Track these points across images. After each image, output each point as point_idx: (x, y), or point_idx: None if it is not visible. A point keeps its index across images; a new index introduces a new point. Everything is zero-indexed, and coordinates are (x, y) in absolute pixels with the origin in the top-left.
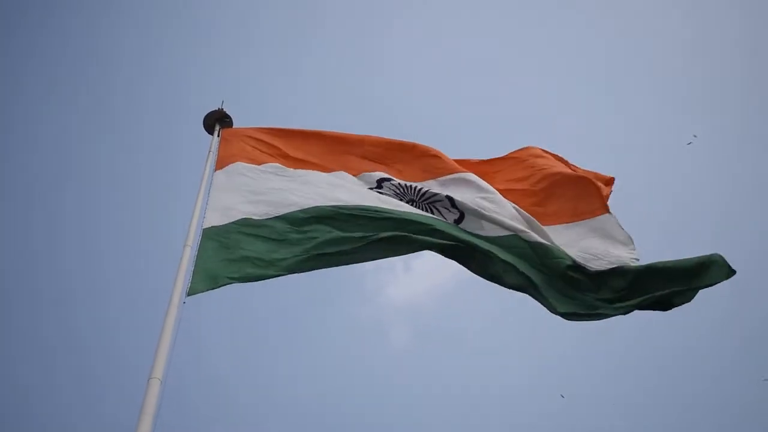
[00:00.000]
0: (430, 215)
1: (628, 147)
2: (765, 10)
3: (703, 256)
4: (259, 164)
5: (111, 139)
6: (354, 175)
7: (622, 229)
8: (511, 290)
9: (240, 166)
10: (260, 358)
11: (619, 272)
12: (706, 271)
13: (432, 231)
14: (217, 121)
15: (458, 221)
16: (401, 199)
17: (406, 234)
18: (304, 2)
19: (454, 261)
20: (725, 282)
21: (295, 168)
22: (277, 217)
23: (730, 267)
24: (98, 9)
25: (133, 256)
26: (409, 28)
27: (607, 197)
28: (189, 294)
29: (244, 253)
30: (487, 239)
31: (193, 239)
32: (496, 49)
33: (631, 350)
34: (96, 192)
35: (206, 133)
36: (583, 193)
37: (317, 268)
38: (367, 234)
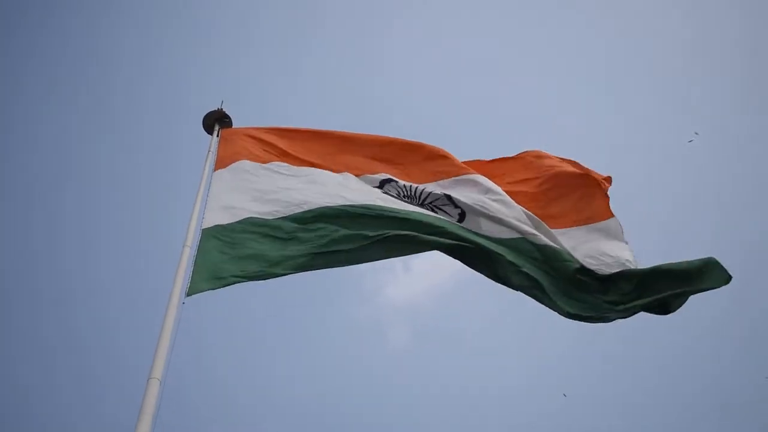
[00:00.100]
0: (437, 216)
1: (628, 147)
2: (765, 10)
3: (702, 260)
4: (265, 162)
5: (111, 139)
6: (356, 176)
7: (623, 233)
8: (512, 291)
9: (245, 164)
10: (259, 358)
11: (626, 275)
12: (707, 275)
13: (441, 231)
14: (216, 121)
15: (460, 220)
16: (405, 200)
17: (416, 234)
18: (304, 2)
19: (458, 261)
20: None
21: (299, 166)
22: (283, 216)
23: (728, 273)
24: (98, 9)
25: (133, 256)
26: (409, 28)
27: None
28: (192, 293)
29: (250, 252)
30: (495, 241)
31: (193, 239)
32: (496, 49)
33: (629, 350)
34: (96, 192)
35: (206, 133)
36: (589, 197)
37: (324, 267)
38: (376, 233)
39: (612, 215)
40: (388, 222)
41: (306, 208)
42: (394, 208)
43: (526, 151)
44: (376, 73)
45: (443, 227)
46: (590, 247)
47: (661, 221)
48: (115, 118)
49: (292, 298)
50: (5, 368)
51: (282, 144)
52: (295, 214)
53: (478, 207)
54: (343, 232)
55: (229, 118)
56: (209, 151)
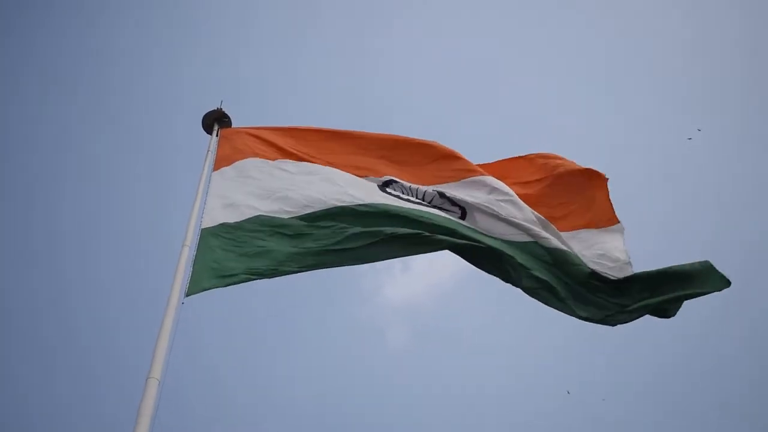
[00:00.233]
0: (447, 216)
1: (628, 147)
2: (765, 10)
3: (701, 264)
4: (273, 160)
5: (110, 138)
6: (363, 176)
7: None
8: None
9: (252, 161)
10: (259, 358)
11: (636, 279)
12: (708, 279)
13: (452, 232)
14: (215, 120)
15: (461, 218)
16: (411, 201)
17: (428, 234)
18: (304, 2)
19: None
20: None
21: (308, 164)
22: (293, 214)
23: (727, 279)
24: (97, 8)
25: (132, 256)
26: (409, 28)
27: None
28: (192, 293)
29: (258, 250)
30: (507, 243)
31: (192, 239)
32: (496, 49)
33: (628, 349)
34: (95, 192)
35: (205, 132)
36: (594, 199)
37: (334, 266)
38: (386, 231)
39: (618, 221)
40: (398, 220)
41: (316, 206)
42: (404, 207)
43: (536, 153)
44: (376, 73)
45: (455, 228)
46: (596, 251)
47: (660, 221)
48: (114, 117)
49: (292, 298)
50: (5, 368)
51: (288, 142)
52: (304, 212)
53: (488, 208)
54: (354, 229)
55: (229, 117)
56: (208, 150)
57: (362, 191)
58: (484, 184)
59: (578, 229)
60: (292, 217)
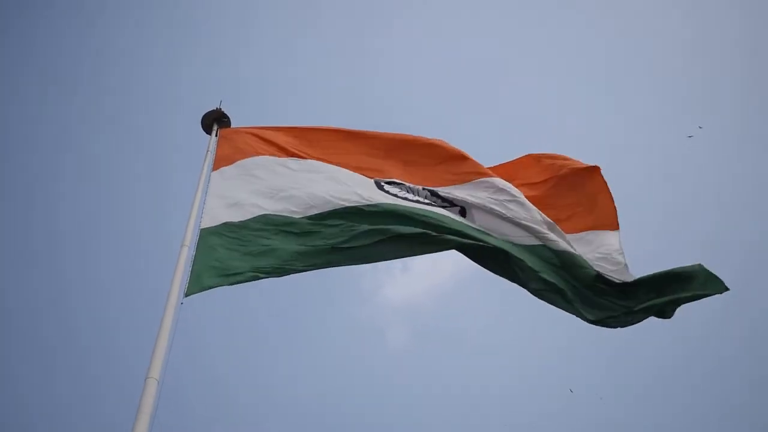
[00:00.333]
0: (453, 217)
1: (628, 147)
2: (765, 10)
3: (698, 266)
4: (280, 157)
5: (109, 138)
6: (369, 176)
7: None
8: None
9: (253, 161)
10: (259, 358)
11: (641, 282)
12: (706, 282)
13: (458, 231)
14: (215, 120)
15: (462, 217)
16: (416, 201)
17: (435, 234)
18: (304, 2)
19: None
20: (725, 281)
21: (313, 162)
22: (298, 213)
23: (724, 284)
24: (96, 8)
25: (132, 256)
26: (409, 28)
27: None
28: (193, 292)
29: (264, 249)
30: (517, 246)
31: (191, 239)
32: (496, 49)
33: (630, 349)
34: (95, 192)
35: (204, 133)
36: (597, 202)
37: (341, 264)
38: (393, 229)
39: (618, 226)
40: (405, 220)
41: (322, 205)
42: (408, 207)
43: (543, 153)
44: (375, 73)
45: (461, 229)
46: (598, 254)
47: (660, 221)
48: (114, 117)
49: (293, 298)
50: (5, 368)
51: (291, 141)
52: (311, 211)
53: (496, 210)
54: (361, 228)
55: (228, 117)
56: (208, 150)
57: (369, 191)
58: (492, 186)
59: (583, 231)
60: (298, 216)
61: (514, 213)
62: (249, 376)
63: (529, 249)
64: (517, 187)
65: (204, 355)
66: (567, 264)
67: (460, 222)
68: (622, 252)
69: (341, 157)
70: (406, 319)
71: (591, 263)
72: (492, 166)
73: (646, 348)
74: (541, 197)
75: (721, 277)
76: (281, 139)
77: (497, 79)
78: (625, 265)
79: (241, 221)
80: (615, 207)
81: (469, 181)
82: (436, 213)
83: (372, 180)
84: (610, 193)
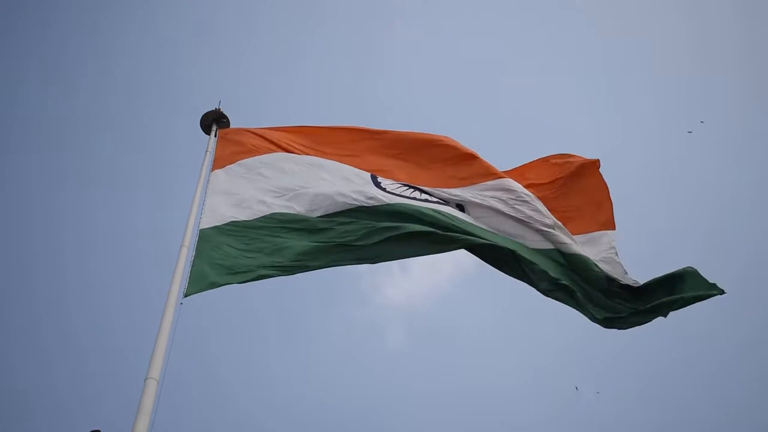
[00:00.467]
0: (463, 218)
1: (628, 147)
2: (765, 10)
3: (692, 270)
4: (286, 155)
5: (109, 138)
6: (378, 175)
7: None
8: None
9: (259, 160)
10: (259, 358)
11: (649, 284)
12: (703, 285)
13: (467, 231)
14: (214, 121)
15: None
16: (426, 201)
17: (445, 233)
18: (303, 2)
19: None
20: (726, 283)
21: (322, 159)
22: (307, 211)
23: (713, 285)
24: (97, 9)
25: (132, 256)
26: (409, 28)
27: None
28: (200, 290)
29: (274, 248)
30: (529, 249)
31: (190, 239)
32: (496, 49)
33: (629, 350)
34: (95, 192)
35: (204, 133)
36: (601, 204)
37: (347, 264)
38: (403, 226)
39: (615, 227)
40: (414, 218)
41: (334, 205)
42: (416, 206)
43: (551, 155)
44: (375, 73)
45: (470, 229)
46: (602, 255)
47: (660, 221)
48: (114, 117)
49: (293, 298)
50: (3, 368)
51: (298, 139)
52: (319, 210)
53: (505, 210)
54: (372, 226)
55: (227, 118)
56: (207, 151)
57: (375, 190)
58: (501, 187)
59: (590, 231)
60: (308, 215)
61: (524, 214)
62: (248, 376)
63: (542, 252)
64: (526, 187)
65: (203, 356)
66: (579, 267)
67: (466, 221)
68: (617, 252)
69: (349, 156)
70: (405, 320)
71: (599, 265)
72: (505, 170)
73: (647, 349)
74: (549, 198)
75: (723, 277)
76: (287, 137)
77: (497, 79)
78: (622, 265)
79: (248, 219)
80: (612, 207)
81: (478, 182)
82: (444, 212)
83: (380, 179)
84: (609, 192)
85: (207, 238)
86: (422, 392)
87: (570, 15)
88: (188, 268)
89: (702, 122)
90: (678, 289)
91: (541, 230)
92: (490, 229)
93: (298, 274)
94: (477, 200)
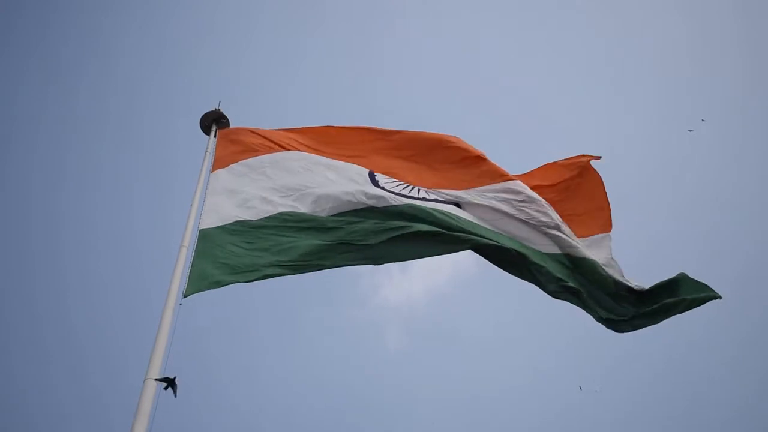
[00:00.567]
0: (470, 220)
1: (628, 147)
2: (765, 10)
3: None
4: (290, 153)
5: (109, 139)
6: (386, 174)
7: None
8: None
9: (265, 159)
10: (258, 359)
11: (656, 288)
12: (701, 289)
13: (473, 231)
14: (213, 121)
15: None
16: (433, 201)
17: (453, 233)
18: (303, 2)
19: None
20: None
21: (329, 159)
22: (312, 211)
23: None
24: (97, 9)
25: (132, 256)
26: (409, 28)
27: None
28: (202, 289)
29: (280, 248)
30: (538, 253)
31: (190, 240)
32: (496, 49)
33: (629, 352)
34: (94, 192)
35: (204, 133)
36: (603, 207)
37: (356, 264)
38: (410, 225)
39: (611, 229)
40: (421, 219)
41: (341, 205)
42: (424, 207)
43: (559, 160)
44: (375, 73)
45: (478, 232)
46: (606, 257)
47: (661, 221)
48: (115, 117)
49: (292, 299)
50: (3, 368)
51: (303, 139)
52: (325, 209)
53: (511, 212)
54: (379, 225)
55: (227, 118)
56: (207, 151)
57: (374, 189)
58: (509, 189)
59: (595, 234)
60: (313, 214)
61: (529, 215)
62: (247, 378)
63: (550, 256)
64: (532, 189)
65: (202, 357)
66: (586, 271)
67: (474, 222)
68: (612, 255)
69: (355, 156)
70: (405, 321)
71: (606, 269)
72: (515, 174)
73: (646, 348)
74: (555, 201)
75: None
76: (291, 137)
77: (497, 79)
78: (619, 266)
79: (254, 219)
80: (610, 208)
81: (486, 185)
82: (450, 212)
83: (377, 176)
84: (606, 194)
85: (210, 237)
86: (422, 393)
87: (570, 15)
88: (188, 269)
89: (703, 120)
90: (679, 293)
91: (548, 233)
92: (498, 231)
93: (300, 275)
94: (484, 202)
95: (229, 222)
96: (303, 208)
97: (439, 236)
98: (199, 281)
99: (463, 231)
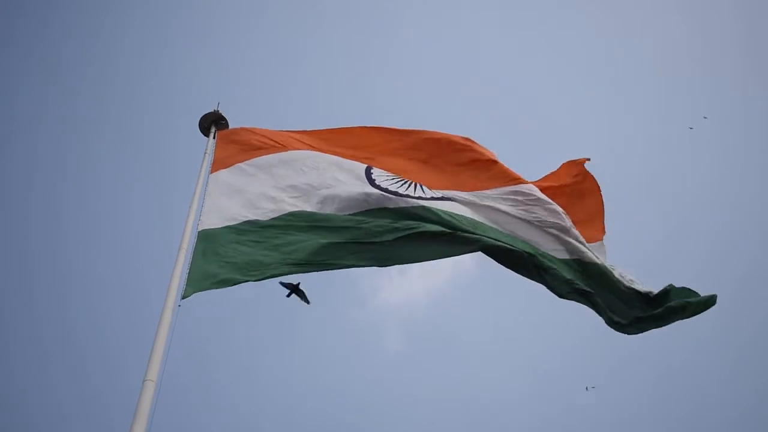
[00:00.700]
0: (483, 222)
1: (628, 147)
2: (765, 10)
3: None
4: (303, 151)
5: (109, 139)
6: (393, 173)
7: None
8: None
9: (269, 159)
10: (256, 360)
11: (664, 291)
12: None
13: (483, 232)
14: (212, 123)
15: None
16: (439, 199)
17: (463, 234)
18: (303, 2)
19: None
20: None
21: (338, 158)
22: (322, 210)
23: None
24: (97, 9)
25: (132, 256)
26: (409, 28)
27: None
28: (203, 289)
29: (290, 248)
30: (550, 258)
31: (188, 242)
32: (496, 49)
33: (630, 356)
34: (94, 192)
35: (204, 135)
36: (600, 212)
37: (362, 265)
38: (421, 225)
39: (603, 235)
40: (431, 221)
41: (347, 203)
42: (433, 207)
43: (564, 163)
44: (375, 73)
45: (489, 234)
46: (607, 262)
47: (661, 221)
48: (114, 118)
49: (291, 300)
50: (3, 368)
51: (308, 139)
52: (333, 208)
53: (522, 215)
54: (395, 224)
55: (226, 119)
56: (206, 152)
57: (372, 188)
58: (519, 192)
59: (596, 241)
60: (322, 214)
61: (536, 216)
62: (247, 378)
63: (563, 261)
64: (542, 191)
65: (201, 358)
66: (595, 275)
67: (483, 224)
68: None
69: (366, 157)
70: (404, 322)
71: (614, 272)
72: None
73: (649, 351)
74: (564, 206)
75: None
76: (296, 137)
77: (497, 79)
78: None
79: (263, 219)
80: (604, 214)
81: (497, 187)
82: (458, 214)
83: (372, 171)
84: (602, 199)
85: (214, 237)
86: (421, 394)
87: (570, 15)
88: (186, 271)
89: (705, 118)
90: (684, 298)
91: (559, 237)
92: (507, 233)
93: (301, 275)
94: (493, 204)
95: (238, 222)
96: (311, 207)
97: (448, 237)
98: (202, 281)
99: (472, 232)
